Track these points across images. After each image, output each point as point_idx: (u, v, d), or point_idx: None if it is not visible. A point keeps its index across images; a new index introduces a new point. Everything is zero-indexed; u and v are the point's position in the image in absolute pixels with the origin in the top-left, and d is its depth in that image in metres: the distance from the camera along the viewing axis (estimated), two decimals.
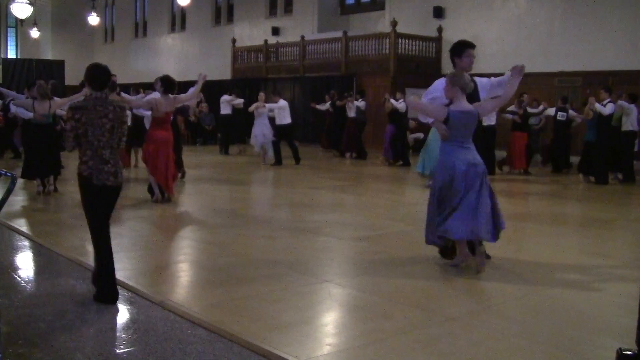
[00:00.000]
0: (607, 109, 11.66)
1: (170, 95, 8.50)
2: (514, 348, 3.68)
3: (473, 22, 18.67)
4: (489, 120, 11.99)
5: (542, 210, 9.15)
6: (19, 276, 5.11)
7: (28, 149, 9.28)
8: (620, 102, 11.86)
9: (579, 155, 12.91)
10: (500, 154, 13.74)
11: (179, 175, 10.32)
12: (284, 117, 14.24)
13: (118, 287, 4.68)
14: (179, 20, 29.89)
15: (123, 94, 11.35)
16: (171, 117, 8.92)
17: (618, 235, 7.34)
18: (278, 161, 13.91)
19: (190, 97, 9.18)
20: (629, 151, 12.12)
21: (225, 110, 16.64)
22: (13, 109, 9.51)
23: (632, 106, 12.01)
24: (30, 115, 8.97)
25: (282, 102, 14.38)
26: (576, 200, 9.96)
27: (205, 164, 14.26)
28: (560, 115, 13.61)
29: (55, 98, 9.25)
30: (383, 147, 14.82)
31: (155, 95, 8.64)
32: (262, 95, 14.91)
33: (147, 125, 9.00)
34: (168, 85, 8.50)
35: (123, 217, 7.70)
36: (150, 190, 8.69)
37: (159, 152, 8.38)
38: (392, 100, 14.42)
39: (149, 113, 8.73)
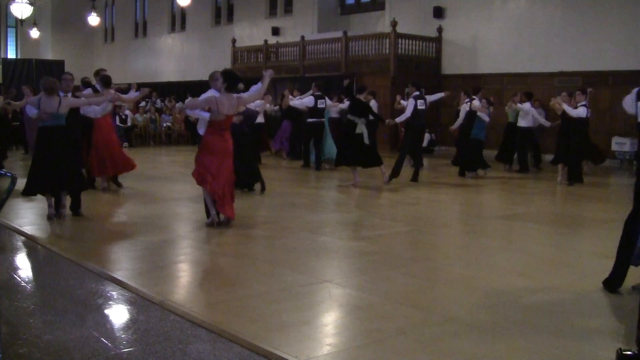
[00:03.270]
0: (580, 110, 11.26)
1: (233, 95, 6.92)
2: (514, 348, 3.68)
3: (473, 22, 18.68)
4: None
5: (542, 210, 9.15)
6: (19, 276, 5.11)
7: (34, 158, 7.52)
8: (518, 105, 12.75)
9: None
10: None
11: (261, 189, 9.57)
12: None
13: (118, 286, 4.69)
14: (179, 20, 29.89)
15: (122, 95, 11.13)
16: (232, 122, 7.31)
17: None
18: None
19: (256, 97, 7.65)
20: (524, 145, 13.27)
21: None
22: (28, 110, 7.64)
23: (528, 105, 12.94)
24: (35, 112, 7.43)
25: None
26: (576, 200, 9.96)
27: None
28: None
29: (68, 96, 7.91)
30: (279, 142, 15.47)
31: (214, 93, 7.04)
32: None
33: (201, 130, 7.26)
34: (232, 81, 6.90)
35: (122, 218, 7.70)
36: (207, 210, 7.29)
37: (215, 164, 6.85)
38: (291, 98, 14.59)
39: (207, 115, 6.93)
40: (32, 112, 7.54)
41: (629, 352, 2.63)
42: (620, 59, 15.77)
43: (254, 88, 7.41)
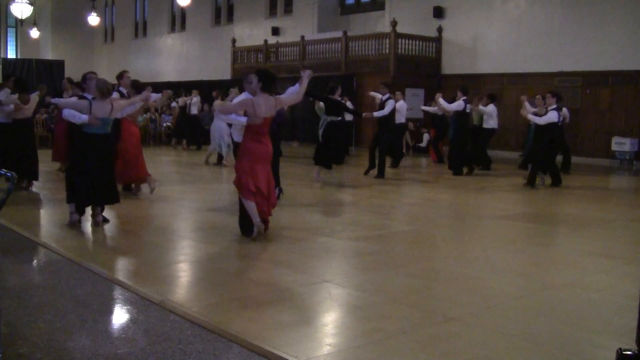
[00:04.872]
0: (548, 114, 10.62)
1: (270, 96, 6.31)
2: (514, 348, 3.68)
3: (473, 22, 18.69)
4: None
5: (541, 210, 9.15)
6: (19, 276, 5.10)
7: (77, 166, 6.75)
8: (480, 107, 13.17)
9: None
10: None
11: (277, 193, 8.36)
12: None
13: (118, 287, 4.69)
14: (179, 20, 29.92)
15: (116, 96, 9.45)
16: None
17: (618, 235, 7.34)
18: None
19: (295, 99, 7.01)
20: (486, 144, 13.69)
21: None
22: (65, 113, 6.62)
23: (491, 107, 13.34)
24: (84, 118, 6.48)
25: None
26: (575, 200, 9.96)
27: (205, 164, 14.26)
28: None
29: (117, 98, 7.36)
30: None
31: (248, 96, 6.49)
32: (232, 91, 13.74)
33: (236, 136, 6.64)
34: (268, 80, 6.27)
35: (122, 218, 7.70)
36: (243, 223, 6.53)
37: (257, 170, 6.26)
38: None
39: (244, 119, 6.26)
40: (80, 118, 6.49)
41: (629, 352, 2.63)
42: (620, 59, 15.79)
43: (291, 89, 6.95)
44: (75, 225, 6.79)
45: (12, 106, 9.20)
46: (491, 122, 13.45)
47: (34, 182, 9.80)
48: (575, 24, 16.64)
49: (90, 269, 5.15)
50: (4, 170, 3.43)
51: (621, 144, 15.80)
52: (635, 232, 7.61)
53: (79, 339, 3.67)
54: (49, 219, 7.75)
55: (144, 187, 9.43)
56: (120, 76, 9.26)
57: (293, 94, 6.82)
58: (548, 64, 16.97)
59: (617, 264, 5.80)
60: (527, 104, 11.49)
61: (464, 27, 18.90)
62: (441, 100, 12.71)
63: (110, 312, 4.23)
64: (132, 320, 4.06)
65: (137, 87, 9.24)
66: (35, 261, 5.73)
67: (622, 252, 6.38)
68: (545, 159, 10.90)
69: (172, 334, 3.76)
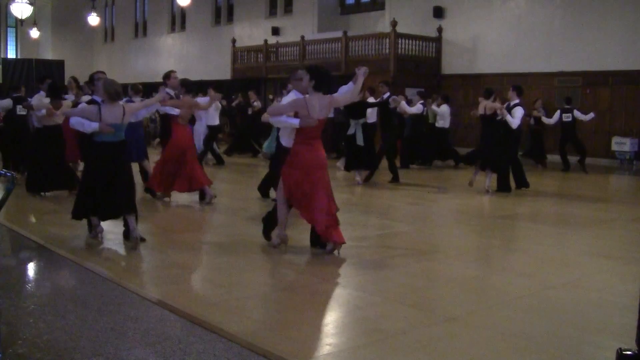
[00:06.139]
0: (517, 113, 9.93)
1: (323, 95, 5.68)
2: (514, 348, 3.68)
3: (473, 22, 18.68)
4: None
5: (542, 210, 9.15)
6: (19, 276, 5.11)
7: (86, 177, 6.11)
8: (434, 107, 14.49)
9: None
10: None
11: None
12: None
13: (119, 287, 4.69)
14: (179, 20, 29.90)
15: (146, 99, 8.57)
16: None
17: (618, 234, 7.34)
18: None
19: (350, 98, 6.29)
20: (446, 141, 14.88)
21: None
22: (72, 121, 5.95)
23: (444, 107, 14.50)
24: (95, 126, 5.79)
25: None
26: (576, 200, 9.96)
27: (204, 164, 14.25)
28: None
29: (128, 101, 6.88)
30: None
31: (297, 96, 5.84)
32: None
33: (284, 140, 5.95)
34: (321, 78, 5.64)
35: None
36: (266, 229, 6.15)
37: (308, 181, 5.62)
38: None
39: (296, 121, 5.58)
40: (90, 126, 5.82)
41: (629, 352, 2.63)
42: (620, 59, 15.78)
43: (344, 88, 6.20)
44: (100, 236, 6.26)
45: (43, 111, 8.90)
46: (441, 122, 14.57)
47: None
48: (575, 24, 16.63)
49: (90, 269, 5.16)
50: (4, 170, 3.44)
51: (621, 144, 15.80)
52: (635, 232, 7.60)
53: (79, 338, 3.67)
54: (50, 220, 7.74)
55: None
56: (167, 76, 8.60)
57: (348, 92, 6.10)
58: (548, 64, 16.97)
59: (617, 264, 5.80)
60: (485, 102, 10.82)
61: (464, 27, 18.89)
62: (403, 103, 13.24)
63: (110, 312, 4.23)
64: (132, 320, 4.05)
65: (188, 85, 8.62)
66: (35, 261, 5.73)
67: (622, 252, 6.38)
68: (510, 159, 10.40)
69: (172, 334, 3.76)
